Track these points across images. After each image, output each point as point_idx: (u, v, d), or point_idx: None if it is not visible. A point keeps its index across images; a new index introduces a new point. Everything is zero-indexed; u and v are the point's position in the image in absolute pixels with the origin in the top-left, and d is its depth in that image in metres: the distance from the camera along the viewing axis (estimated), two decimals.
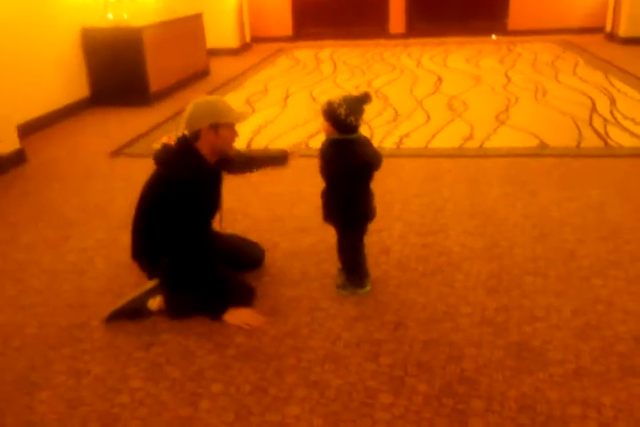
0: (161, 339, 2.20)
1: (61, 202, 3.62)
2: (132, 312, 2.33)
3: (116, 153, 4.64)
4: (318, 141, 4.58)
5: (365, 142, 2.33)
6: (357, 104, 2.21)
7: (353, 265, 2.44)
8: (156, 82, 6.29)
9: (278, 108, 5.83)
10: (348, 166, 2.24)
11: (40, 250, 2.99)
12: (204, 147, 2.28)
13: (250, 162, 2.61)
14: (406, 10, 10.10)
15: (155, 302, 2.34)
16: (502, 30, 9.94)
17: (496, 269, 2.61)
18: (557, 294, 2.40)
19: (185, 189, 2.19)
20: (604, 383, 1.87)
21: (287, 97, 6.28)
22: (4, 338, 2.26)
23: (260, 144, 4.65)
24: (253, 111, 5.67)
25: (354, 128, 2.25)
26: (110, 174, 4.13)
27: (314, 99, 6.13)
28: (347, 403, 1.84)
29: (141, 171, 4.05)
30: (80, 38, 6.01)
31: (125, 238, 3.04)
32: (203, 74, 7.63)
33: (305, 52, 9.26)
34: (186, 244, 2.26)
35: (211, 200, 2.40)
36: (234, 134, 2.32)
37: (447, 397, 1.84)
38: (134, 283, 2.59)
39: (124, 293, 2.48)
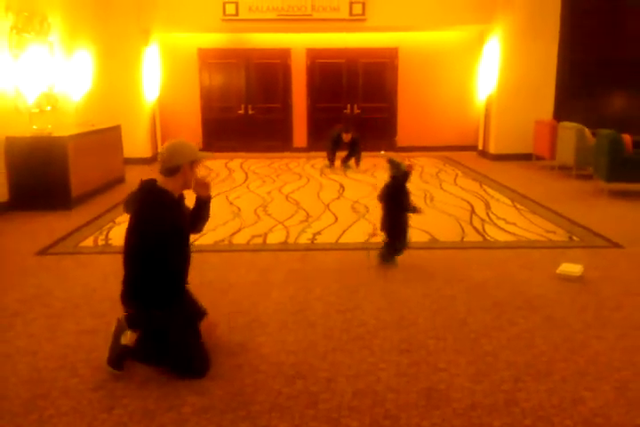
0: (121, 403, 2.45)
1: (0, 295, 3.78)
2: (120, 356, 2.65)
3: (43, 252, 4.85)
4: (240, 239, 5.11)
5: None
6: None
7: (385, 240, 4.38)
8: (76, 188, 6.63)
9: None
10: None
11: None
12: (178, 181, 2.73)
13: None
14: (308, 127, 11.33)
15: (126, 338, 2.65)
16: (392, 147, 11.33)
17: (405, 335, 3.13)
18: (454, 351, 2.94)
19: (163, 220, 2.61)
20: (494, 412, 2.38)
21: None
22: None
23: None
24: None
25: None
26: (41, 271, 4.32)
27: (230, 203, 6.70)
28: None
29: (71, 267, 4.38)
30: (2, 146, 6.31)
31: (68, 325, 3.29)
32: (119, 181, 8.05)
33: (216, 162, 9.98)
34: (167, 270, 2.67)
35: (182, 227, 2.79)
36: (198, 171, 2.83)
37: None
38: (84, 360, 2.84)
39: (77, 369, 2.73)
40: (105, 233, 5.39)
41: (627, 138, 7.28)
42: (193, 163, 2.76)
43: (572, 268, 4.09)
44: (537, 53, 9.73)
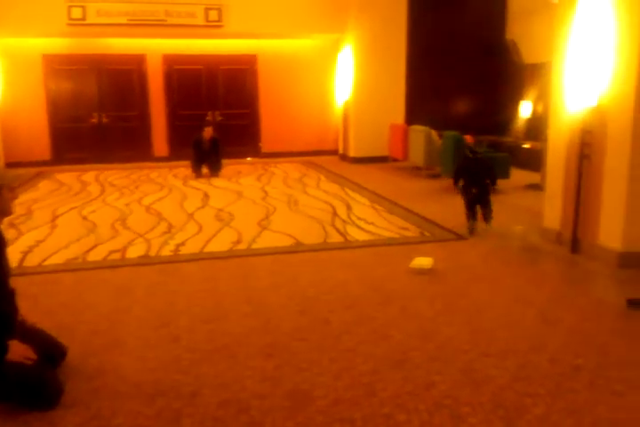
0: None
1: None
2: None
3: None
4: (96, 255, 4.84)
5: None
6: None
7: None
8: None
9: (47, 228, 5.89)
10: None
11: None
12: None
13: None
14: (168, 136, 11.03)
15: None
16: (257, 153, 11.40)
17: (270, 340, 3.15)
18: (317, 350, 3.02)
19: None
20: (355, 405, 2.48)
21: (55, 218, 6.36)
22: None
23: (33, 262, 4.71)
24: (20, 234, 5.63)
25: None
26: None
27: (84, 217, 6.33)
28: None
29: None
30: None
31: None
32: None
33: (68, 176, 9.39)
34: None
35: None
36: (14, 196, 2.66)
37: None
38: None
39: None
40: None
41: (468, 138, 7.94)
42: (0, 189, 2.57)
43: (423, 261, 4.38)
44: (387, 61, 10.30)
